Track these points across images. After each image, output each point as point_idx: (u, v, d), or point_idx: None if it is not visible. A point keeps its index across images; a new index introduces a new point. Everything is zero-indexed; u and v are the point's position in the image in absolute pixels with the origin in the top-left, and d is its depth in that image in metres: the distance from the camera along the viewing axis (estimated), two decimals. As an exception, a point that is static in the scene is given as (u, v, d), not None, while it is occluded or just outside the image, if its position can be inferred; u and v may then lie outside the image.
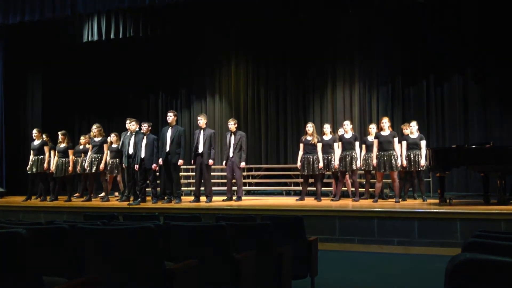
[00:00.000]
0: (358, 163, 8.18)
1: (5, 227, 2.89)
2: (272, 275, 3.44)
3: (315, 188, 8.63)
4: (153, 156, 8.16)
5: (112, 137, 9.27)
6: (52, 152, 9.35)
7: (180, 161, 8.18)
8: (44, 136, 9.51)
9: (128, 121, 8.65)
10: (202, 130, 8.26)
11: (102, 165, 8.89)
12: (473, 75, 10.07)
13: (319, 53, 11.32)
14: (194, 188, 9.11)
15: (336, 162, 8.17)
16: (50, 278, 2.32)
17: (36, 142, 9.40)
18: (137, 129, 8.49)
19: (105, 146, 9.01)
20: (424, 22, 10.40)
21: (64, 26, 10.95)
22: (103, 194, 9.40)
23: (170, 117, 8.28)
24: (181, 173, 9.73)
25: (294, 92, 11.68)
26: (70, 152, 9.20)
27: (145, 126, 8.33)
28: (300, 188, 9.10)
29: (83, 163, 9.07)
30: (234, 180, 8.60)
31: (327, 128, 8.43)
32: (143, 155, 8.16)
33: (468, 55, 10.04)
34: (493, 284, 1.38)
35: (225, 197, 8.55)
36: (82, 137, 9.54)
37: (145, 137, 8.27)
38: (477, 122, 9.97)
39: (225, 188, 8.78)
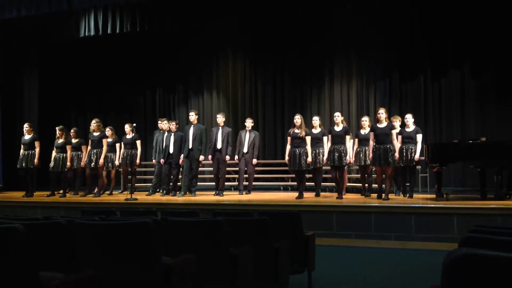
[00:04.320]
0: (348, 158, 7.77)
1: (2, 223, 2.88)
2: (269, 270, 3.45)
3: (312, 182, 8.59)
4: (180, 153, 8.87)
5: (107, 132, 9.24)
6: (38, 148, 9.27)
7: (202, 157, 8.76)
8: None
9: (159, 121, 9.51)
10: (220, 128, 8.92)
11: (101, 160, 8.90)
12: (470, 70, 10.07)
13: (316, 49, 11.29)
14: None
15: (323, 157, 7.84)
16: (47, 274, 2.32)
17: (27, 137, 9.34)
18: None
19: (104, 141, 9.01)
20: (421, 17, 10.39)
21: (61, 21, 10.88)
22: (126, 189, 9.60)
23: (192, 116, 8.93)
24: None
25: (292, 88, 11.66)
26: (68, 147, 9.15)
27: (172, 125, 9.11)
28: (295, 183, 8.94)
29: (61, 160, 9.07)
30: (246, 175, 9.27)
31: (316, 120, 8.09)
32: (171, 151, 8.91)
33: (465, 50, 10.04)
34: (490, 279, 1.38)
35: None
36: (58, 132, 9.33)
37: (172, 134, 9.01)
38: (474, 117, 9.98)
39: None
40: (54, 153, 9.23)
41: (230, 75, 12.24)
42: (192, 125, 8.86)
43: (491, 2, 9.50)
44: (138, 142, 9.23)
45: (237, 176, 9.92)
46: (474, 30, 9.85)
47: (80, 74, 12.70)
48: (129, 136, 9.29)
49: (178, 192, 8.89)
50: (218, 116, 9.16)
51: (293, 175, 10.22)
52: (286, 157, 8.04)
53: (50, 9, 9.75)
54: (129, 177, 9.26)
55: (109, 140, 9.16)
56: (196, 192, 8.86)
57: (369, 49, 10.84)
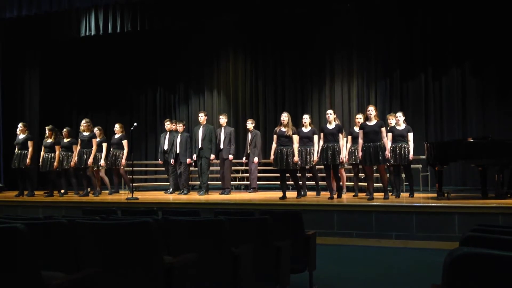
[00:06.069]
0: (342, 156, 7.49)
1: (3, 222, 2.88)
2: (270, 269, 3.45)
3: (313, 182, 8.56)
4: (187, 152, 9.12)
5: (96, 131, 9.20)
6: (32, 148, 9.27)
7: (212, 156, 9.01)
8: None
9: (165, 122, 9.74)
10: (223, 128, 9.21)
11: (90, 160, 8.87)
12: (471, 68, 10.07)
13: (317, 47, 11.30)
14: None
15: (315, 157, 7.67)
16: (49, 273, 2.32)
17: (21, 137, 9.31)
18: (172, 128, 9.48)
19: (93, 141, 8.99)
20: (422, 15, 10.38)
21: (62, 21, 10.89)
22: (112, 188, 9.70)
23: (201, 117, 9.12)
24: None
25: (292, 87, 11.67)
26: (57, 147, 9.13)
27: (180, 126, 9.40)
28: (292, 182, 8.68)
29: (49, 160, 9.07)
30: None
31: (306, 119, 7.90)
32: (178, 151, 9.17)
33: (466, 49, 10.04)
34: (491, 278, 1.38)
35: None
36: (47, 131, 9.31)
37: (179, 135, 9.26)
38: (475, 115, 9.98)
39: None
40: (42, 153, 9.23)
41: (231, 74, 12.24)
42: (202, 126, 9.10)
43: (491, 1, 9.49)
44: (125, 142, 9.24)
45: (238, 175, 10.27)
46: (474, 29, 9.85)
47: (81, 73, 12.71)
48: (117, 136, 9.32)
49: (197, 192, 9.21)
50: (220, 117, 9.44)
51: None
52: (272, 156, 7.83)
53: (51, 8, 9.75)
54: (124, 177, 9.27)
55: (97, 139, 9.14)
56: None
57: (370, 48, 10.84)
